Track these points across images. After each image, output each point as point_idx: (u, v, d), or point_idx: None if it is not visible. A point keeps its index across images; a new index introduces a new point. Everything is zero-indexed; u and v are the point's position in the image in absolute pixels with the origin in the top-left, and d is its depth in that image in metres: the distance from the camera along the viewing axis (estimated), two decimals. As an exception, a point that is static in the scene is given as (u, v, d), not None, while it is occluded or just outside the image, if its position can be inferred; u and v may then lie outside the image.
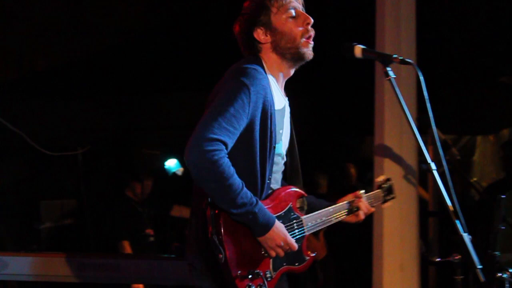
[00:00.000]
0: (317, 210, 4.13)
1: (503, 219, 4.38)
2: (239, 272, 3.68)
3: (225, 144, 3.58)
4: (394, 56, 3.81)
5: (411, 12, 6.36)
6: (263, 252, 3.79)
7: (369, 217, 6.42)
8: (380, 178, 4.71)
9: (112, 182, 10.88)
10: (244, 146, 3.74)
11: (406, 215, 6.31)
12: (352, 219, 4.36)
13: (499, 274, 4.01)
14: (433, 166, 3.72)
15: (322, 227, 4.16)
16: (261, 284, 3.75)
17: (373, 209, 4.44)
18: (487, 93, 13.26)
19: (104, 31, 9.40)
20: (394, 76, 3.77)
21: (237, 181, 3.60)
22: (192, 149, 3.53)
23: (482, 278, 3.43)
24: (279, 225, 3.76)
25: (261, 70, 3.83)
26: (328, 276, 8.41)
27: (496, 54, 13.38)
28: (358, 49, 3.92)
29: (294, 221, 3.95)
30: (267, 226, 3.70)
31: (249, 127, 3.72)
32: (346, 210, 4.32)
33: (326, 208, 4.18)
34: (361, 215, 4.35)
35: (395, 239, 6.28)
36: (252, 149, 3.76)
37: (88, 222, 10.73)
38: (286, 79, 4.09)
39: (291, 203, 3.96)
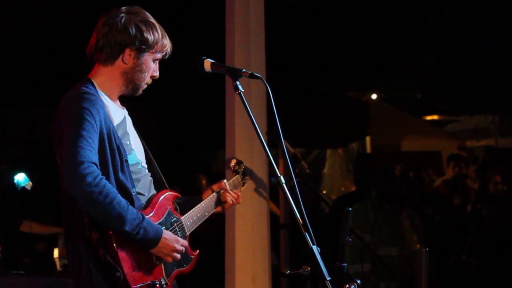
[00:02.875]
0: (191, 208, 4.18)
1: (351, 231, 4.47)
2: (138, 285, 3.73)
3: (95, 164, 3.64)
4: (243, 70, 3.83)
5: (261, 27, 6.43)
6: (155, 261, 3.84)
7: (222, 229, 6.47)
8: (232, 163, 4.71)
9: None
10: (102, 165, 3.74)
11: (257, 228, 6.36)
12: (220, 209, 4.39)
13: (347, 285, 4.09)
14: (282, 179, 3.76)
15: (199, 223, 4.20)
16: None
17: (239, 199, 4.46)
18: (336, 107, 13.59)
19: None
20: (243, 91, 3.79)
21: (122, 199, 3.67)
22: (71, 181, 3.57)
23: (330, 289, 3.48)
24: (166, 233, 3.84)
25: (94, 91, 3.86)
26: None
27: (345, 70, 13.76)
28: (208, 63, 3.92)
29: (175, 224, 4.01)
30: (157, 237, 3.77)
31: (99, 146, 3.74)
32: (215, 202, 4.35)
33: (199, 204, 4.23)
34: (228, 204, 4.38)
35: (247, 251, 6.32)
36: (107, 166, 3.77)
37: None
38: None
39: (169, 207, 4.03)
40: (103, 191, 3.57)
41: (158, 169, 4.22)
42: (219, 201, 4.37)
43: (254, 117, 3.76)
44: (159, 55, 4.00)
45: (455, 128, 19.08)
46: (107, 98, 3.95)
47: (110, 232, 3.66)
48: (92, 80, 3.94)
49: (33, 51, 10.12)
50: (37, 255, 8.37)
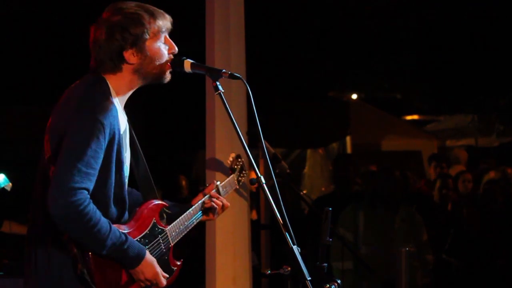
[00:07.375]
0: (178, 216, 4.09)
1: (331, 231, 4.46)
2: None
3: (88, 190, 3.53)
4: (223, 70, 3.82)
5: (241, 27, 6.43)
6: (132, 278, 3.76)
7: (202, 230, 6.46)
8: (230, 159, 4.67)
9: None
10: (103, 179, 3.66)
11: (238, 228, 6.36)
12: (210, 217, 4.31)
13: (327, 285, 4.08)
14: (262, 179, 3.77)
15: (186, 232, 4.12)
16: None
17: (228, 204, 4.34)
18: (317, 107, 13.61)
19: None
20: (223, 91, 3.78)
21: (104, 224, 3.57)
22: (55, 202, 3.47)
23: (311, 289, 3.49)
24: (149, 259, 3.76)
25: (109, 96, 3.72)
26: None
27: (325, 70, 13.79)
28: (188, 63, 3.90)
29: (159, 236, 3.93)
30: (138, 258, 3.70)
31: (105, 161, 3.64)
32: (202, 210, 4.26)
33: (186, 212, 4.14)
34: (218, 211, 4.30)
35: (227, 252, 6.31)
36: (110, 180, 3.69)
37: None
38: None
39: (154, 218, 3.94)
40: (85, 218, 3.49)
41: (151, 177, 4.10)
42: (207, 208, 4.27)
43: (234, 117, 3.75)
44: (161, 36, 3.85)
45: (435, 128, 19.16)
46: (118, 102, 3.82)
47: (90, 254, 3.61)
48: (107, 82, 3.80)
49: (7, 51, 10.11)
50: (17, 257, 8.32)
